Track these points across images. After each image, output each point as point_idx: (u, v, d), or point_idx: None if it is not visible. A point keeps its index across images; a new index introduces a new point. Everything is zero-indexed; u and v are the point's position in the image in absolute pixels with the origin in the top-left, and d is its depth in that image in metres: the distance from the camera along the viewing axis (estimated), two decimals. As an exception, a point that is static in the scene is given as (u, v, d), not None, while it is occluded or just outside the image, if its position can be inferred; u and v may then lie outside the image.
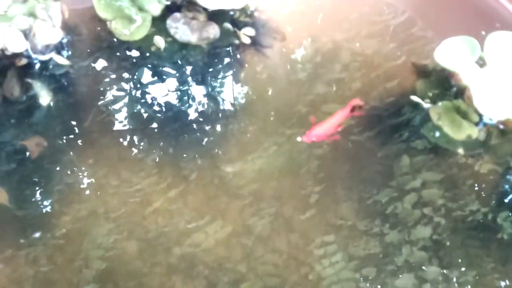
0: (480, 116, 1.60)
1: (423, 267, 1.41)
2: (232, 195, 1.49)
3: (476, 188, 1.55)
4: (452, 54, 1.63)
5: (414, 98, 1.65)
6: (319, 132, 1.57)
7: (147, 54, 1.69)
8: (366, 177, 1.55)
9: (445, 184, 1.55)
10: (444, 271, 1.41)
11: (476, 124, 1.60)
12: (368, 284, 1.38)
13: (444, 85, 1.68)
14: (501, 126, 1.61)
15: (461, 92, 1.64)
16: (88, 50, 1.69)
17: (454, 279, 1.40)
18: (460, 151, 1.59)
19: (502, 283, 1.41)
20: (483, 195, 1.54)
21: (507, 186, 1.55)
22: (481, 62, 1.62)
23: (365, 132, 1.62)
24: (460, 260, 1.43)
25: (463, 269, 1.42)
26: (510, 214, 1.49)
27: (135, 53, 1.70)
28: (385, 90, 1.71)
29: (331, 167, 1.56)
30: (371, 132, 1.62)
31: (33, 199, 1.46)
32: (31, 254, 1.37)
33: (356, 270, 1.39)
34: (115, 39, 1.68)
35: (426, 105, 1.63)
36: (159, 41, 1.68)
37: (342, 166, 1.57)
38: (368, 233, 1.45)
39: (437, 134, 1.60)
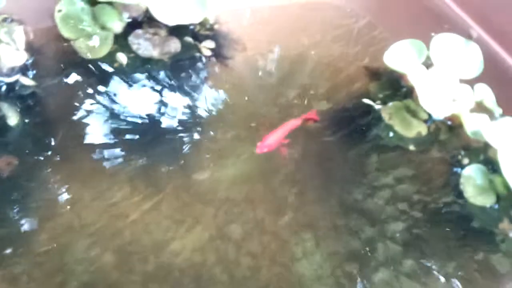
0: (429, 114, 1.72)
1: (403, 261, 1.47)
2: (206, 202, 1.52)
3: (440, 183, 1.64)
4: (401, 56, 1.74)
5: (366, 100, 1.76)
6: (269, 142, 1.62)
7: (111, 70, 1.74)
8: (340, 177, 1.62)
9: (415, 179, 1.63)
10: (425, 263, 1.47)
11: (425, 121, 1.73)
12: (348, 280, 1.42)
13: (394, 86, 1.80)
14: (449, 122, 1.74)
15: (410, 92, 1.77)
16: (54, 69, 1.72)
17: (435, 271, 1.46)
18: (411, 147, 1.70)
19: (482, 272, 1.47)
20: (448, 187, 1.63)
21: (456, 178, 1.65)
22: (430, 63, 1.74)
23: (336, 134, 1.69)
24: (439, 252, 1.50)
25: (443, 260, 1.48)
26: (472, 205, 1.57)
27: (99, 70, 1.74)
28: (351, 92, 1.80)
29: (306, 169, 1.62)
30: (341, 133, 1.70)
31: (9, 217, 1.46)
32: (9, 273, 1.37)
33: (336, 267, 1.43)
34: (79, 58, 1.72)
35: (377, 106, 1.75)
36: (121, 58, 1.74)
37: (316, 168, 1.63)
38: (346, 231, 1.50)
39: (390, 133, 1.71)
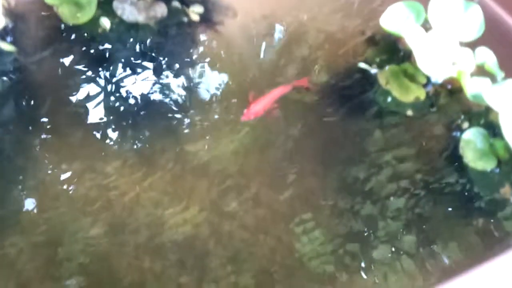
0: (428, 77, 1.64)
1: (404, 240, 1.43)
2: (200, 175, 1.47)
3: (440, 150, 1.58)
4: (398, 19, 1.66)
5: (361, 64, 1.68)
6: (257, 108, 1.57)
7: (96, 37, 1.68)
8: (342, 155, 1.56)
9: (412, 146, 1.58)
10: (426, 236, 1.43)
11: (424, 86, 1.65)
12: (349, 259, 1.38)
13: (391, 50, 1.73)
14: (449, 86, 1.67)
15: (407, 56, 1.69)
16: (36, 36, 1.66)
17: (439, 252, 1.41)
18: (409, 113, 1.63)
19: (485, 252, 1.42)
20: (449, 157, 1.57)
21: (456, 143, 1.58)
22: (428, 26, 1.65)
23: (337, 111, 1.63)
24: (443, 232, 1.45)
25: (446, 241, 1.43)
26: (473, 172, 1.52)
27: (82, 36, 1.68)
28: (349, 61, 1.72)
29: (307, 147, 1.57)
30: (342, 110, 1.63)
31: (5, 196, 1.42)
32: (9, 254, 1.33)
33: (337, 245, 1.40)
34: (62, 24, 1.67)
35: (373, 70, 1.68)
36: (105, 23, 1.68)
37: (317, 146, 1.57)
38: (349, 210, 1.45)
39: (388, 99, 1.64)
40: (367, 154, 1.55)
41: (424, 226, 1.45)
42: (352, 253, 1.40)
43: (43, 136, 1.52)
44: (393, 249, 1.41)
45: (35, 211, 1.39)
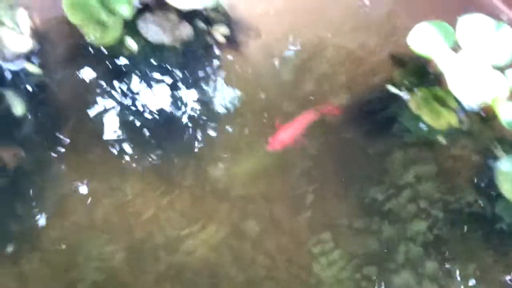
0: (459, 102, 1.58)
1: (424, 263, 1.40)
2: (221, 198, 1.46)
3: (470, 179, 1.54)
4: (426, 39, 1.61)
5: (390, 87, 1.64)
6: (284, 137, 1.52)
7: (121, 58, 1.66)
8: (360, 175, 1.52)
9: (440, 177, 1.53)
10: (446, 265, 1.40)
11: (456, 111, 1.59)
12: (367, 283, 1.36)
13: (421, 73, 1.67)
14: (482, 113, 1.61)
15: (438, 79, 1.64)
16: (61, 57, 1.65)
17: (456, 274, 1.38)
18: (441, 139, 1.58)
19: (506, 277, 1.40)
20: (479, 185, 1.53)
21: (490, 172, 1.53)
22: (457, 48, 1.61)
23: (355, 130, 1.60)
24: (460, 254, 1.43)
25: (464, 263, 1.41)
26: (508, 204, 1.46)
27: (108, 57, 1.66)
28: (373, 82, 1.69)
29: (324, 166, 1.53)
30: (361, 129, 1.60)
31: (18, 212, 1.42)
32: (19, 271, 1.33)
33: (355, 270, 1.37)
34: (88, 44, 1.64)
35: (404, 94, 1.63)
36: (131, 44, 1.65)
37: (335, 165, 1.54)
38: (366, 231, 1.43)
39: (418, 124, 1.59)
40: (394, 184, 1.52)
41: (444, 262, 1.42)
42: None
43: (64, 154, 1.52)
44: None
45: (52, 228, 1.39)
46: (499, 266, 1.40)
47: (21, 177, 1.46)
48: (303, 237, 1.42)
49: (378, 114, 1.63)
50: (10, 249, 1.36)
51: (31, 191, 1.45)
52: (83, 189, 1.45)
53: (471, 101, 1.55)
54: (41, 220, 1.40)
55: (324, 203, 1.47)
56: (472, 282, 1.38)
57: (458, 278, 1.37)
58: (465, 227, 1.46)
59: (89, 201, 1.43)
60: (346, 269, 1.36)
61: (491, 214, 1.47)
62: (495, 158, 1.53)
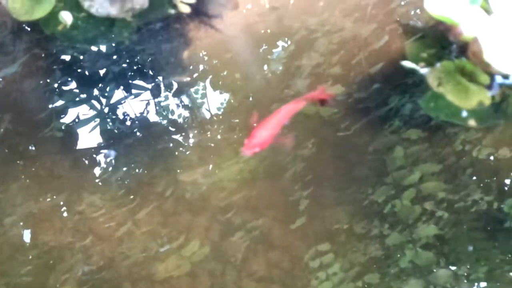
0: (492, 76, 1.32)
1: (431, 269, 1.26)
2: (197, 211, 1.29)
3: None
4: (447, 2, 1.31)
5: (406, 63, 1.38)
6: (261, 137, 1.22)
7: (53, 36, 1.40)
8: (358, 176, 1.34)
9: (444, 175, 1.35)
10: (452, 268, 1.26)
11: (488, 87, 1.32)
12: None
13: (441, 43, 1.41)
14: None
15: (463, 49, 1.37)
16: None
17: (464, 277, 1.25)
18: (471, 122, 1.31)
19: None
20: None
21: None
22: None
23: (352, 126, 1.39)
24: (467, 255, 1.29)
25: (471, 265, 1.27)
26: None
27: (37, 35, 1.41)
28: (369, 74, 1.48)
29: (319, 168, 1.35)
30: (358, 125, 1.39)
31: None
32: None
33: (358, 278, 1.23)
34: (13, 21, 1.40)
35: (422, 69, 1.35)
36: (66, 17, 1.38)
37: (331, 166, 1.36)
38: (366, 236, 1.27)
39: (440, 104, 1.32)
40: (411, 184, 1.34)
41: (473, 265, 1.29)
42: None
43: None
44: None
45: (22, 246, 1.28)
46: (507, 265, 1.29)
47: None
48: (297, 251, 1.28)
49: (381, 108, 1.41)
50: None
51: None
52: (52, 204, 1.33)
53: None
54: (19, 239, 1.29)
55: (323, 209, 1.32)
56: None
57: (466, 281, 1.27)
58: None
59: (58, 216, 1.31)
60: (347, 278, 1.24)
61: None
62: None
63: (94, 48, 1.46)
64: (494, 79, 1.35)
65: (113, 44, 1.43)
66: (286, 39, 1.56)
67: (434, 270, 1.29)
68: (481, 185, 1.38)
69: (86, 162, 1.37)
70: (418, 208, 1.33)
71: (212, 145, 1.40)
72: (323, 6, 1.65)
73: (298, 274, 1.26)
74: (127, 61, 1.45)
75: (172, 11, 1.43)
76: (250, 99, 1.47)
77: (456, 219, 1.35)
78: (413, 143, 1.43)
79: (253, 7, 1.55)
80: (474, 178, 1.41)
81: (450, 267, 1.30)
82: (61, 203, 1.34)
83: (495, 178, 1.39)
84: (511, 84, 1.36)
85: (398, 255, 1.29)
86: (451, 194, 1.37)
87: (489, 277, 1.27)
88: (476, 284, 1.27)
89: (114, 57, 1.44)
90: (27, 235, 1.29)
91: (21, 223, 1.30)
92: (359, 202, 1.35)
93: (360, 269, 1.27)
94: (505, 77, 1.35)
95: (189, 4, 1.43)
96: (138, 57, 1.45)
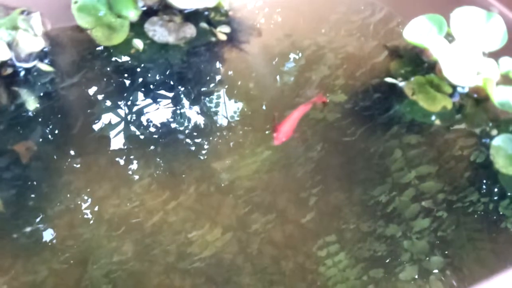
0: (454, 87, 1.66)
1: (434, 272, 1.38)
2: (231, 202, 1.45)
3: (467, 157, 1.57)
4: (421, 31, 1.70)
5: (388, 79, 1.70)
6: (285, 130, 1.58)
7: (128, 57, 1.74)
8: (363, 177, 1.54)
9: (442, 176, 1.54)
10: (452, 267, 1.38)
11: (450, 95, 1.66)
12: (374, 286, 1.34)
13: (416, 62, 1.75)
14: (475, 95, 1.68)
15: (432, 67, 1.72)
16: (71, 57, 1.73)
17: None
18: (437, 122, 1.64)
19: None
20: (475, 163, 1.55)
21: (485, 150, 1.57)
22: (451, 39, 1.69)
23: (356, 131, 1.63)
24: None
25: (471, 265, 1.39)
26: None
27: (116, 56, 1.75)
28: (371, 86, 1.74)
29: (327, 169, 1.55)
30: (361, 131, 1.63)
31: (30, 222, 1.40)
32: (33, 281, 1.30)
33: (362, 272, 1.35)
34: (96, 45, 1.74)
35: (400, 83, 1.69)
36: (138, 43, 1.74)
37: (338, 168, 1.56)
38: (372, 234, 1.42)
39: (414, 109, 1.65)
40: (403, 163, 1.55)
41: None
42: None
43: (73, 154, 1.54)
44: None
45: (60, 237, 1.38)
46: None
47: (32, 172, 1.47)
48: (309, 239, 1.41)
49: (376, 103, 1.68)
50: (25, 259, 1.33)
51: (39, 189, 1.45)
52: (89, 188, 1.45)
53: (465, 83, 1.62)
54: (47, 230, 1.39)
55: (330, 207, 1.47)
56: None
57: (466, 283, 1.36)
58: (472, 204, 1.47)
59: (95, 200, 1.43)
60: (351, 269, 1.35)
61: (497, 186, 1.50)
62: (490, 137, 1.58)
63: (150, 65, 1.74)
64: (455, 89, 1.67)
65: (168, 63, 1.75)
66: (298, 55, 1.83)
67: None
68: (488, 175, 1.53)
69: (121, 161, 1.53)
70: (417, 206, 1.47)
71: (232, 136, 1.60)
72: (330, 27, 1.93)
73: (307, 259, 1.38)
74: (176, 76, 1.74)
75: (213, 39, 1.80)
76: (267, 105, 1.70)
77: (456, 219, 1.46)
78: (414, 125, 1.63)
79: (272, 35, 1.87)
80: (476, 155, 1.57)
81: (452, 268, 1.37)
82: (93, 185, 1.46)
83: (485, 160, 1.55)
84: (466, 93, 1.68)
85: (402, 254, 1.39)
86: (451, 171, 1.53)
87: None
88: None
89: (167, 72, 1.74)
90: (65, 227, 1.39)
91: (63, 215, 1.41)
92: (365, 201, 1.47)
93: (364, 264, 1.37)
94: (462, 87, 1.68)
95: (225, 34, 1.82)
96: (185, 73, 1.74)
